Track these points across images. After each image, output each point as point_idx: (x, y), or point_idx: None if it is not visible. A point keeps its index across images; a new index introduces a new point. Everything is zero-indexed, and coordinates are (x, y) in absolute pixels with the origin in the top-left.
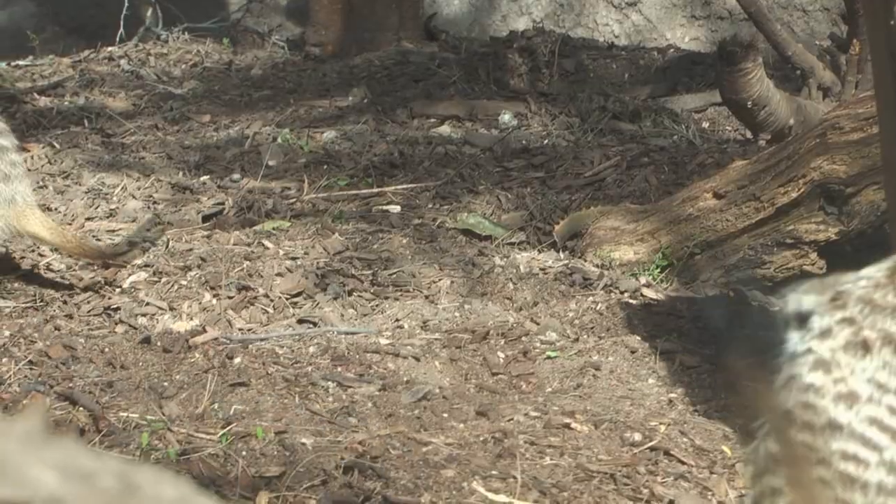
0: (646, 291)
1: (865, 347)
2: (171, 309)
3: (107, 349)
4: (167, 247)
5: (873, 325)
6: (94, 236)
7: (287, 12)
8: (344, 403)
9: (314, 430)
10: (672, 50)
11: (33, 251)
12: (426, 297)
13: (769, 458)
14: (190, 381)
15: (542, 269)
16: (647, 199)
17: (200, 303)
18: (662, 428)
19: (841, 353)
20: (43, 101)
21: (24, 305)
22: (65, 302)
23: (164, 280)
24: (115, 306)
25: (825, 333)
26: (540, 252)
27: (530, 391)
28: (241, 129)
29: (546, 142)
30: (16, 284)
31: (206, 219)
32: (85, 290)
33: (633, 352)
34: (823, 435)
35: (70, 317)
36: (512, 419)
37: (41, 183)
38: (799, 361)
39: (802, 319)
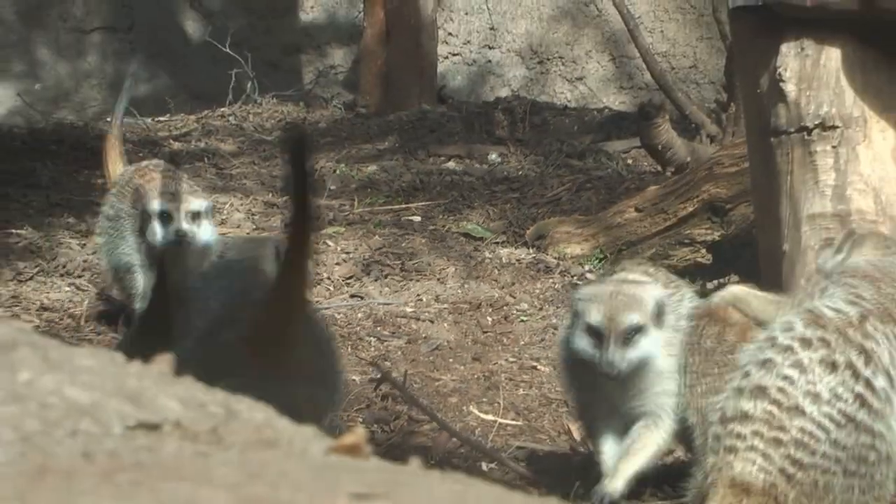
0: (588, 275)
1: (833, 367)
2: None
3: None
4: None
5: (842, 353)
6: None
7: (343, 84)
8: (381, 352)
9: (361, 371)
10: (607, 110)
11: None
12: (438, 279)
13: (737, 411)
14: None
15: (517, 260)
16: (589, 212)
17: None
18: None
19: (815, 364)
20: (176, 145)
21: None
22: None
23: None
24: None
25: (806, 343)
26: (516, 248)
27: (509, 344)
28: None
29: (520, 173)
30: None
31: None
32: None
33: None
34: (788, 412)
35: None
36: (497, 363)
37: None
38: (780, 352)
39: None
